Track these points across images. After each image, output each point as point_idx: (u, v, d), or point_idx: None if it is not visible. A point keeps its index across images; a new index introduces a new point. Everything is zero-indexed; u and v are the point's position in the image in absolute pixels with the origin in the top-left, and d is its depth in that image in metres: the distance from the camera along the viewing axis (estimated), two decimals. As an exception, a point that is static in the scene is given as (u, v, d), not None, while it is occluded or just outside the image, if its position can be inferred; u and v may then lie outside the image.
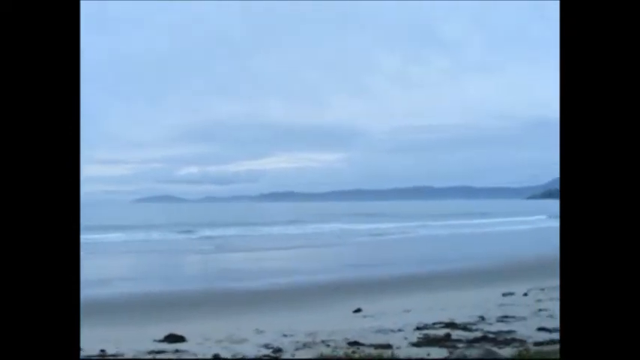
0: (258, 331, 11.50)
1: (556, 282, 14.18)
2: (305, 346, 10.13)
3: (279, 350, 9.91)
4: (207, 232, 51.58)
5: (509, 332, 10.48)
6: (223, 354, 9.61)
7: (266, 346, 10.18)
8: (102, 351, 9.65)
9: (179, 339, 10.61)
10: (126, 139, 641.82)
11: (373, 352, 9.25)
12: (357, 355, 8.86)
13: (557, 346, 8.51)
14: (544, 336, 10.02)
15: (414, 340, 10.23)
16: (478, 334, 10.48)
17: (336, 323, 12.23)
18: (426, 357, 8.99)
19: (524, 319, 11.73)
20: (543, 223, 63.05)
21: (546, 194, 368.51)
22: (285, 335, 11.08)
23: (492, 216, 79.48)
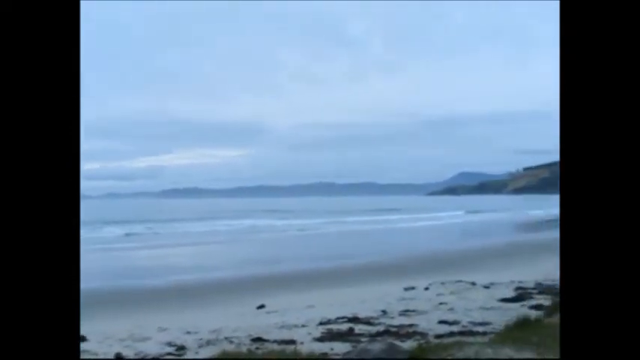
0: (161, 329, 11.28)
1: (455, 276, 14.58)
2: (208, 343, 10.02)
3: (182, 348, 9.76)
4: (110, 229, 50.07)
5: (410, 326, 10.67)
6: (125, 353, 9.38)
7: (169, 344, 10.02)
8: None
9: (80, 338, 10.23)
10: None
11: (277, 347, 9.20)
12: (260, 351, 8.79)
13: (457, 339, 8.71)
14: (444, 328, 10.27)
15: (318, 335, 10.27)
16: (380, 328, 10.62)
17: (240, 320, 12.15)
18: (329, 352, 9.02)
19: (425, 312, 11.98)
20: (456, 219, 64.66)
21: (447, 190, 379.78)
22: (188, 332, 10.92)
23: (403, 212, 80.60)
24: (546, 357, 5.73)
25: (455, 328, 10.24)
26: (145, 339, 10.45)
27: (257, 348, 9.27)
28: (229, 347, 9.34)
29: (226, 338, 10.24)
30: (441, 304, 12.88)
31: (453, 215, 71.69)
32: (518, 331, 6.99)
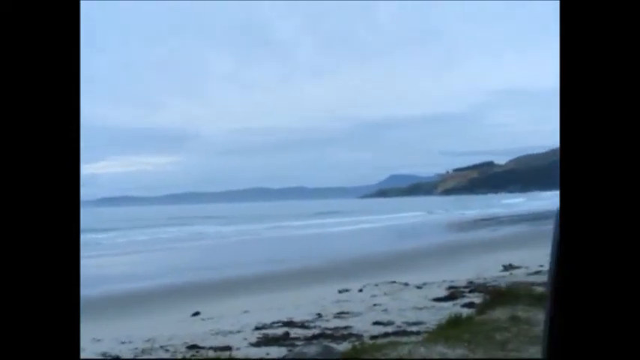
0: (95, 340, 11.09)
1: (388, 277, 14.76)
2: (144, 352, 9.90)
3: (117, 359, 9.60)
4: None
5: (345, 328, 10.77)
6: (56, 366, 9.13)
7: (104, 355, 9.88)
8: None
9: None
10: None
11: (212, 354, 9.17)
12: (195, 359, 8.74)
13: (391, 339, 8.85)
14: (379, 329, 10.40)
15: (254, 340, 10.28)
16: (316, 331, 10.69)
17: (175, 327, 12.04)
18: (265, 356, 9.04)
19: (359, 314, 12.11)
20: (388, 221, 65.09)
21: (379, 193, 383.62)
22: (122, 342, 10.79)
23: (336, 215, 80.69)
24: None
25: (389, 329, 10.39)
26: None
27: (192, 355, 9.22)
28: (165, 355, 9.26)
29: (161, 347, 10.14)
30: (375, 305, 13.03)
31: (385, 218, 72.29)
32: (451, 329, 7.15)
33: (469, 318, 7.41)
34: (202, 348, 9.84)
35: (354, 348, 7.28)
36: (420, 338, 8.58)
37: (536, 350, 5.71)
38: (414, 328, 10.21)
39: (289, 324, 11.44)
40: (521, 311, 7.15)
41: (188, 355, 9.23)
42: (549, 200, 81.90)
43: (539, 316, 6.83)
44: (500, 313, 7.20)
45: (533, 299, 7.76)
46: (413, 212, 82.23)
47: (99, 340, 11.06)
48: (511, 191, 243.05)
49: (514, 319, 6.79)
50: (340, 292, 15.47)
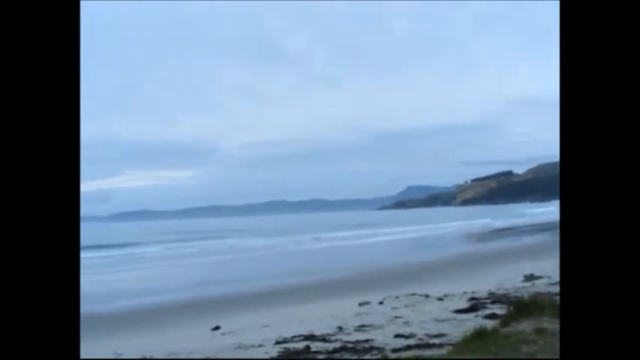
0: (117, 354, 11.04)
1: (409, 289, 14.62)
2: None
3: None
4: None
5: (367, 341, 10.65)
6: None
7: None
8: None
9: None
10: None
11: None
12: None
13: (414, 352, 8.73)
14: (401, 342, 10.26)
15: (275, 354, 10.19)
16: (337, 344, 10.58)
17: (196, 342, 11.99)
18: (287, 371, 8.96)
19: (381, 327, 11.98)
20: (408, 233, 64.77)
21: (397, 204, 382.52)
22: (144, 357, 10.71)
23: (360, 227, 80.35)
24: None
25: (411, 342, 10.26)
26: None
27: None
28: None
29: (182, 361, 10.10)
30: (396, 317, 12.90)
31: (405, 230, 71.91)
32: (476, 341, 7.04)
33: (494, 330, 7.29)
34: (223, 362, 9.80)
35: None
36: (443, 351, 8.46)
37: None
38: (437, 341, 10.08)
39: (310, 337, 11.35)
40: (547, 323, 7.03)
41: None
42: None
43: (565, 328, 6.70)
44: (525, 325, 7.07)
45: (558, 310, 7.62)
46: (431, 222, 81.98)
47: (120, 355, 11.06)
48: (531, 200, 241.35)
49: (540, 331, 6.66)
50: (361, 304, 15.35)
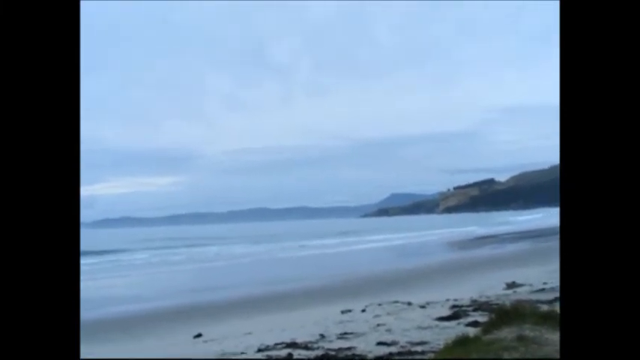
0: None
1: (391, 296, 14.64)
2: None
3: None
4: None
5: (349, 349, 10.65)
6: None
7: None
8: None
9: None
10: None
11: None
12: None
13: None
14: (383, 350, 10.27)
15: (256, 362, 10.15)
16: (319, 352, 10.57)
17: (178, 349, 11.93)
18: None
19: (363, 334, 11.98)
20: (390, 241, 64.75)
21: (381, 212, 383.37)
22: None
23: (344, 235, 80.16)
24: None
25: (393, 349, 10.27)
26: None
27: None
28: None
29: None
30: (378, 325, 12.90)
31: (387, 238, 71.97)
32: (458, 349, 7.05)
33: (476, 337, 7.30)
34: (205, 370, 9.75)
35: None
36: (425, 358, 8.47)
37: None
38: (419, 348, 10.10)
39: (292, 345, 11.33)
40: (529, 330, 7.04)
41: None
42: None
43: (546, 336, 6.74)
44: (507, 333, 7.09)
45: (539, 318, 7.65)
46: (413, 230, 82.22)
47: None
48: (514, 208, 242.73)
49: (521, 339, 6.68)
50: (343, 312, 15.34)
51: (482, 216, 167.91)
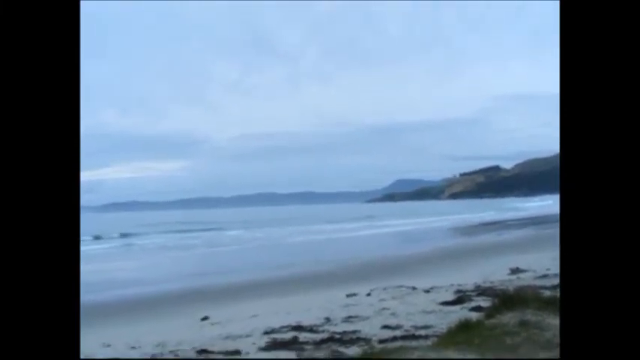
0: (105, 345, 11.13)
1: (396, 281, 14.73)
2: (153, 357, 9.90)
3: (125, 361, 9.63)
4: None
5: (354, 332, 10.76)
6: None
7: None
8: None
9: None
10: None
11: (222, 358, 9.19)
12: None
13: (400, 343, 8.86)
14: (388, 333, 10.38)
15: (263, 344, 10.28)
16: (324, 335, 10.68)
17: (184, 332, 12.05)
18: (274, 360, 9.06)
19: (368, 318, 12.09)
20: (396, 227, 64.70)
21: (386, 197, 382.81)
22: (132, 347, 10.82)
23: (349, 220, 79.99)
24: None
25: (398, 333, 10.38)
26: (88, 356, 10.26)
27: (202, 360, 9.24)
28: (175, 360, 9.27)
29: (171, 351, 10.16)
30: (383, 309, 13.00)
31: (393, 223, 71.89)
32: (461, 333, 7.16)
33: (479, 322, 7.41)
34: (212, 352, 9.87)
35: (364, 352, 7.30)
36: (429, 342, 8.58)
37: (547, 354, 5.72)
38: (423, 332, 10.20)
39: (298, 328, 11.45)
40: (531, 315, 7.15)
41: (198, 360, 9.27)
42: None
43: (548, 320, 6.83)
44: (509, 318, 7.19)
45: (542, 303, 7.75)
46: (419, 215, 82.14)
47: (108, 346, 11.11)
48: (518, 195, 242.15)
49: (524, 324, 6.79)
50: (348, 296, 15.44)
51: (488, 202, 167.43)
